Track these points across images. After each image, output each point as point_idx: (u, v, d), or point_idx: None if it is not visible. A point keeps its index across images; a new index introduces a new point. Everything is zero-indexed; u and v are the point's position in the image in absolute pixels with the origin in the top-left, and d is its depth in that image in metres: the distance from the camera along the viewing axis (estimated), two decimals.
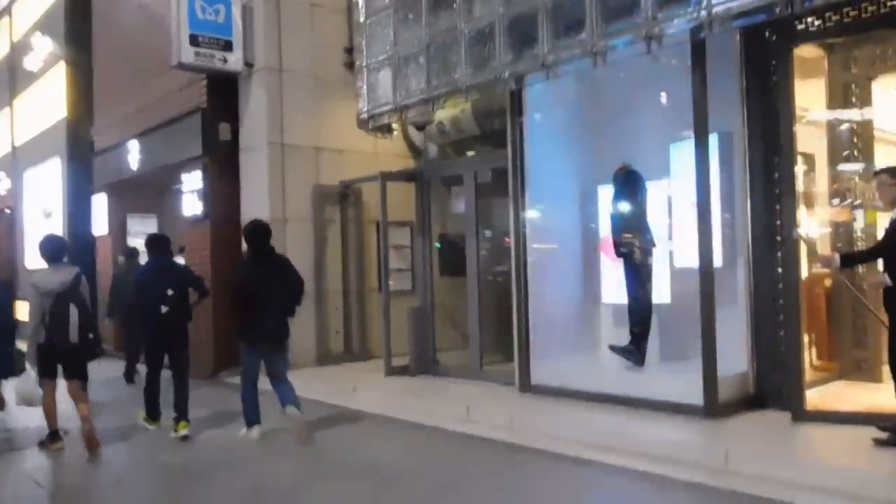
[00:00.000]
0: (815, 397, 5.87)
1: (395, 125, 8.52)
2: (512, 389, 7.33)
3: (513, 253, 7.40)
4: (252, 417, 6.43)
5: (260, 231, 6.39)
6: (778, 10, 5.14)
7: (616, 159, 6.98)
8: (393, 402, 7.42)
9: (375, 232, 9.74)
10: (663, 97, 6.88)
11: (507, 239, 7.79)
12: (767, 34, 6.06)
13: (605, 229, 7.25)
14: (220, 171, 9.86)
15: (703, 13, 5.33)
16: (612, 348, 6.90)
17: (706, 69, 5.91)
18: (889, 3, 5.39)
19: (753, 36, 6.11)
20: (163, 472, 5.87)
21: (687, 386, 5.98)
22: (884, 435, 4.97)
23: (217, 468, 5.74)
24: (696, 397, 5.87)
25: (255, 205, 9.49)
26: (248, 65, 9.63)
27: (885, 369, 6.57)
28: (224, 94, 9.84)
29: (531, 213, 7.33)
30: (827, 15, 5.68)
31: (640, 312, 6.81)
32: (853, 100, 6.76)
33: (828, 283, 6.69)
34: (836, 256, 5.65)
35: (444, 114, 8.70)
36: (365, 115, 8.18)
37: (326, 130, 9.85)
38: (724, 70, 6.16)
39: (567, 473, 5.23)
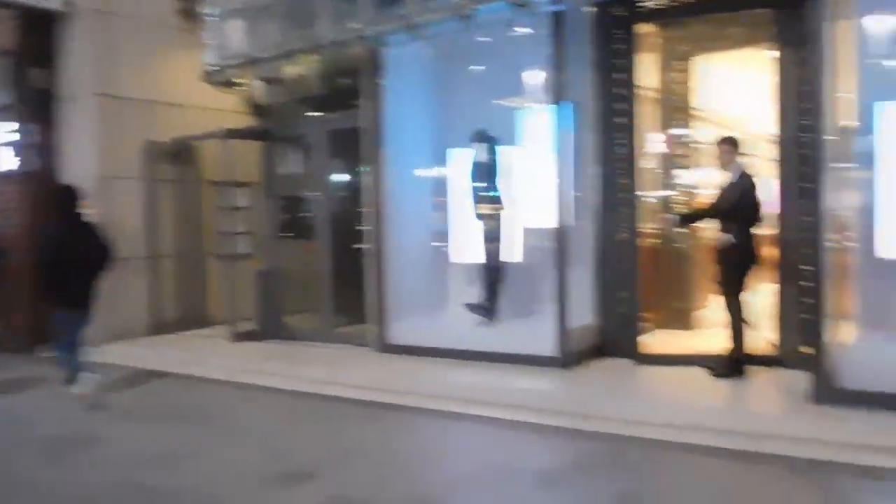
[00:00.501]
0: (647, 344, 6.53)
1: (242, 80, 8.10)
2: (368, 350, 7.40)
3: (369, 214, 7.40)
4: (76, 368, 6.34)
5: (67, 195, 6.41)
6: None
7: (472, 123, 7.18)
8: (248, 368, 7.21)
9: (214, 192, 9.26)
10: (520, 64, 7.13)
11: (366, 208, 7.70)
12: (615, 11, 6.50)
13: (459, 191, 7.45)
14: (37, 123, 8.84)
15: None
16: (468, 306, 7.16)
17: (564, 39, 6.22)
18: None
19: (602, 11, 6.51)
20: None
21: (541, 339, 6.37)
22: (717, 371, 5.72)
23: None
24: (550, 349, 6.27)
25: (79, 160, 8.64)
26: (70, 3, 8.65)
27: (695, 317, 7.51)
28: (41, 35, 8.78)
29: (388, 174, 7.35)
30: None
31: (492, 271, 7.13)
32: (678, 74, 7.49)
33: (649, 242, 7.38)
34: (677, 216, 6.28)
35: (289, 70, 8.41)
36: (211, 68, 7.71)
37: (163, 82, 9.15)
38: (576, 41, 6.53)
39: (440, 427, 5.44)
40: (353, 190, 8.07)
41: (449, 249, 7.68)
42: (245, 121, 9.42)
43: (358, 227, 7.75)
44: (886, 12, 5.46)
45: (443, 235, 7.75)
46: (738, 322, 5.73)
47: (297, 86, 8.43)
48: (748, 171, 5.89)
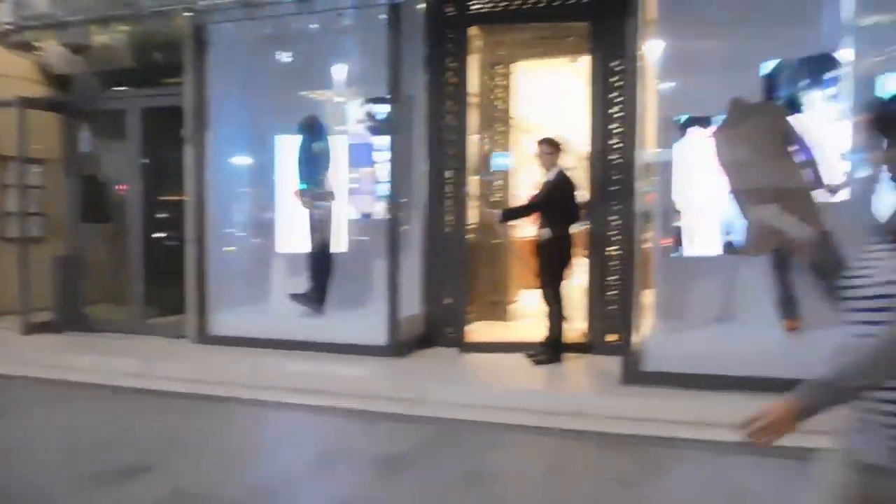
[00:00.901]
0: (472, 333, 6.83)
1: (41, 44, 7.31)
2: (185, 342, 7.02)
3: (189, 199, 7.02)
4: None
5: None
6: None
7: (302, 110, 7.08)
8: (47, 361, 6.54)
9: (2, 168, 8.27)
10: (355, 55, 7.13)
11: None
12: (447, 10, 6.71)
13: (287, 178, 7.29)
14: None
15: None
16: (293, 296, 7.03)
17: (399, 36, 6.31)
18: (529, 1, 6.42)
19: (436, 10, 6.69)
20: None
21: (370, 328, 6.44)
22: (537, 357, 6.11)
23: None
24: (379, 338, 6.36)
25: None
26: None
27: (511, 310, 7.96)
28: None
29: (210, 158, 7.02)
30: (494, 1, 6.53)
31: (319, 261, 7.06)
32: (501, 79, 7.89)
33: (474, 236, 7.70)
34: (499, 211, 6.63)
35: (100, 38, 7.74)
36: (6, 27, 6.87)
37: None
38: (411, 37, 6.66)
39: (272, 416, 5.32)
40: (170, 173, 7.60)
41: (275, 238, 7.50)
42: (41, 90, 8.53)
43: (174, 214, 7.33)
44: (687, 38, 6.14)
45: (268, 224, 7.54)
46: (556, 312, 6.17)
47: (108, 56, 7.79)
48: (566, 172, 6.36)
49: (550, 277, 6.22)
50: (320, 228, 7.04)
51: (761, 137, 5.40)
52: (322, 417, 5.29)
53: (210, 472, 4.20)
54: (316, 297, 6.96)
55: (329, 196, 7.05)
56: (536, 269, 6.38)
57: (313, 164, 7.00)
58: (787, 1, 5.92)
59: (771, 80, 5.99)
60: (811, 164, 5.37)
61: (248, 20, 6.36)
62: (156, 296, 7.93)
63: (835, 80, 5.80)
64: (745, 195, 5.61)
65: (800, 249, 2.16)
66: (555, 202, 6.19)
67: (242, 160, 7.57)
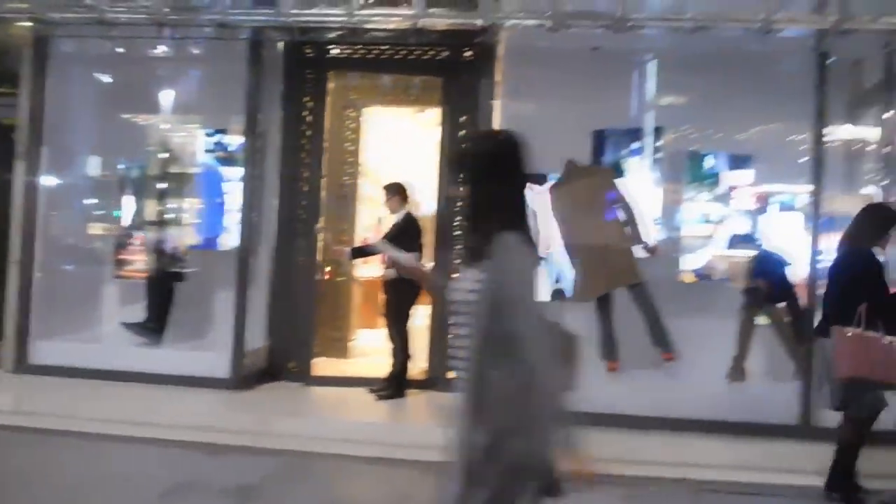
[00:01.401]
0: (316, 367, 6.90)
1: None
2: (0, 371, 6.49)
3: (17, 218, 6.56)
4: None
5: None
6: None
7: (149, 136, 6.93)
8: None
9: None
10: (212, 85, 7.08)
11: None
12: (307, 51, 6.89)
13: (128, 203, 7.06)
14: None
15: (280, 19, 5.82)
16: (126, 325, 6.73)
17: (260, 71, 6.39)
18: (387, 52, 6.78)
19: (297, 49, 6.85)
20: None
21: (211, 360, 6.32)
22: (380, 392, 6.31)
23: None
24: (222, 371, 6.25)
25: None
26: None
27: (352, 346, 8.12)
28: None
29: (43, 175, 6.64)
30: (354, 48, 6.81)
31: (158, 288, 6.84)
32: (353, 123, 8.15)
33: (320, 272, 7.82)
34: (348, 249, 6.82)
35: None
36: None
37: None
38: (271, 72, 6.76)
39: (104, 450, 5.07)
40: None
41: (110, 264, 7.16)
42: None
43: None
44: (528, 100, 6.76)
45: (105, 249, 7.20)
46: (400, 348, 6.41)
47: None
48: (413, 214, 6.69)
49: (396, 315, 6.46)
50: (158, 254, 6.84)
51: (591, 196, 6.09)
52: (159, 450, 5.11)
53: None
54: (153, 327, 6.71)
55: (168, 223, 6.87)
56: (383, 307, 6.61)
57: (155, 189, 6.85)
58: (614, 74, 6.73)
59: (598, 145, 6.76)
60: (631, 222, 6.11)
61: (99, 38, 6.12)
62: None
63: (650, 150, 6.66)
64: (574, 247, 6.28)
65: None
66: (400, 241, 6.48)
67: (83, 179, 7.20)
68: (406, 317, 6.45)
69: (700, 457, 5.14)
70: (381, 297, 6.62)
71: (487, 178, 2.25)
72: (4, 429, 5.35)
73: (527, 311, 2.10)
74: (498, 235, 2.16)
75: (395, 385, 6.37)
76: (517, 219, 2.24)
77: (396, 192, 6.59)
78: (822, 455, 5.05)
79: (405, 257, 5.42)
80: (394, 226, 6.60)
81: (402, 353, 6.41)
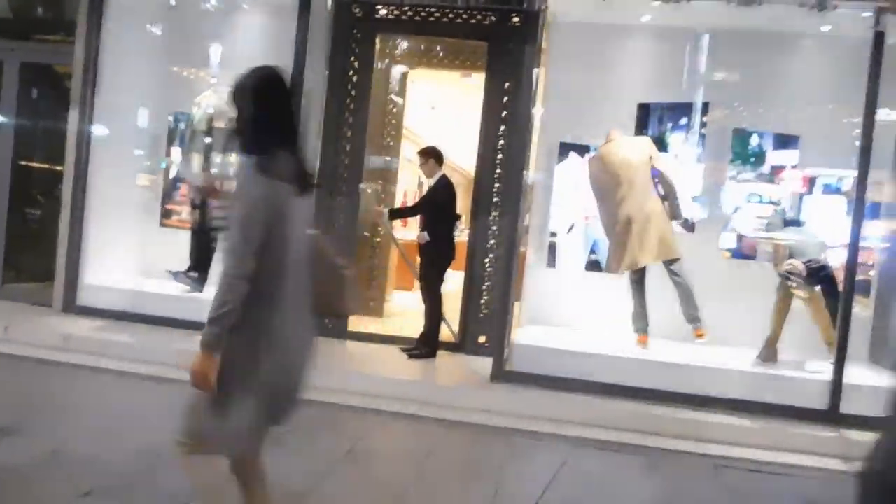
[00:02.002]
0: (350, 325, 7.07)
1: None
2: (49, 310, 6.77)
3: (70, 163, 6.78)
4: None
5: None
6: None
7: (200, 89, 7.06)
8: None
9: None
10: (260, 41, 7.17)
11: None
12: (354, 9, 6.93)
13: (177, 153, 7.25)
14: None
15: None
16: (174, 274, 6.95)
17: (308, 28, 6.45)
18: (435, 15, 6.79)
19: (345, 8, 6.89)
20: None
21: None
22: (412, 351, 6.48)
23: None
24: None
25: None
26: None
27: (387, 307, 8.28)
28: None
29: (98, 123, 6.84)
30: (402, 10, 6.81)
31: (202, 239, 7.02)
32: (394, 84, 8.19)
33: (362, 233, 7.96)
34: (385, 210, 6.92)
35: None
36: None
37: None
38: (315, 31, 6.81)
39: (151, 388, 5.31)
40: (47, 134, 7.30)
41: (157, 213, 7.38)
42: None
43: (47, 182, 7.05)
44: (574, 70, 6.71)
45: (152, 198, 7.42)
46: (434, 310, 6.53)
47: None
48: (447, 179, 6.74)
49: (431, 277, 6.57)
50: (205, 209, 7.00)
51: (631, 169, 6.06)
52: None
53: (91, 436, 4.19)
54: (197, 277, 6.92)
55: (211, 176, 6.99)
56: (419, 268, 6.72)
57: (202, 140, 6.98)
58: (661, 47, 6.65)
59: (642, 118, 6.69)
60: (671, 197, 6.08)
61: None
62: (16, 261, 7.60)
63: (695, 125, 6.57)
64: (610, 219, 6.27)
65: None
66: (435, 205, 6.56)
67: (134, 128, 7.39)
68: (439, 280, 6.54)
69: (723, 434, 5.19)
70: (417, 259, 6.71)
71: (246, 106, 2.44)
72: (48, 363, 5.62)
73: (238, 232, 2.31)
74: (240, 158, 2.48)
75: (427, 345, 6.50)
76: (268, 144, 2.40)
77: (431, 156, 6.64)
78: (847, 440, 5.09)
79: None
80: (430, 190, 6.67)
81: (434, 313, 6.52)
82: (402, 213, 7.25)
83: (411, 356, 6.45)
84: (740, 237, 6.52)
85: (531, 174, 6.32)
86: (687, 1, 5.26)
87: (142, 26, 7.24)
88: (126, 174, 7.40)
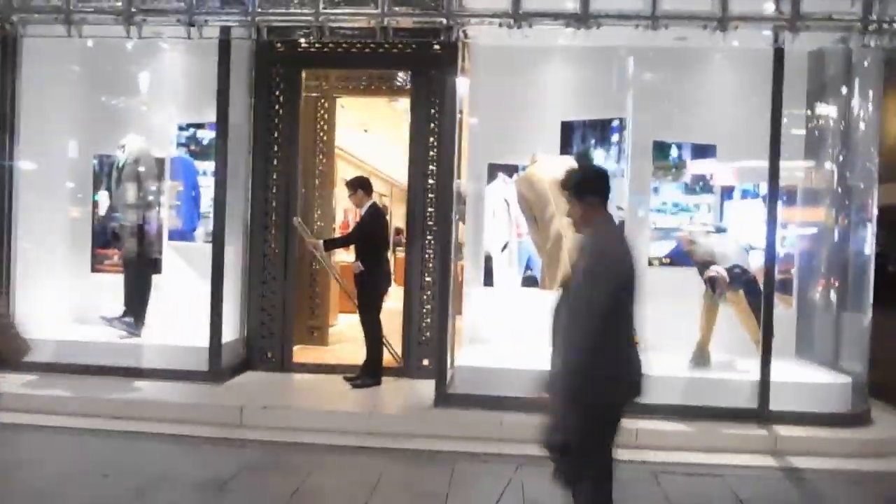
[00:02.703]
0: (292, 356, 7.08)
1: None
2: None
3: None
4: None
5: None
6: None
7: (125, 128, 7.00)
8: None
9: None
10: (185, 79, 7.13)
11: None
12: (276, 45, 6.95)
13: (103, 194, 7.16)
14: None
15: (246, 18, 5.87)
16: (106, 319, 6.83)
17: (229, 65, 6.43)
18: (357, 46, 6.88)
19: (263, 45, 6.88)
20: None
21: (189, 353, 6.45)
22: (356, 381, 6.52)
23: None
24: (200, 364, 6.38)
25: None
26: None
27: (331, 334, 8.30)
28: None
29: (20, 166, 6.70)
30: (323, 43, 6.85)
31: (138, 284, 6.93)
32: (322, 113, 8.22)
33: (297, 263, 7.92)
34: (321, 242, 6.94)
35: None
36: None
37: None
38: (241, 66, 6.83)
39: (82, 442, 5.21)
40: None
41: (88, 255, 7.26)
42: None
43: None
44: (496, 89, 6.87)
45: (81, 245, 7.29)
46: (374, 338, 6.58)
47: None
48: (377, 208, 6.81)
49: (368, 304, 6.62)
50: (142, 252, 6.90)
51: (556, 187, 6.21)
52: (146, 442, 5.27)
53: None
54: (133, 321, 6.81)
55: (136, 208, 6.89)
56: (356, 297, 6.75)
57: (130, 181, 6.88)
58: (579, 66, 6.85)
59: (565, 136, 6.88)
60: None
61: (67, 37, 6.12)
62: None
63: (616, 142, 6.79)
64: (541, 237, 6.42)
65: None
66: (365, 234, 6.63)
67: (57, 169, 7.28)
68: (376, 307, 6.60)
69: (661, 441, 5.37)
70: (353, 287, 6.75)
71: None
72: None
73: None
74: None
75: (370, 375, 6.53)
76: None
77: (358, 186, 6.71)
78: (776, 437, 5.33)
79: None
80: (360, 219, 6.74)
81: (375, 341, 6.57)
82: (336, 243, 7.30)
83: (355, 386, 6.47)
84: (666, 245, 6.76)
85: (461, 195, 6.44)
86: (597, 27, 5.41)
87: (61, 68, 7.15)
88: (52, 219, 7.26)
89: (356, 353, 6.95)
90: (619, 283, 2.90)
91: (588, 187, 3.07)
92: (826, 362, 6.38)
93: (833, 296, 6.41)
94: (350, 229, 7.48)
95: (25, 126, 6.66)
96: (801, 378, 6.03)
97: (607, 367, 2.85)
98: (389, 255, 7.48)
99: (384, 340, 6.73)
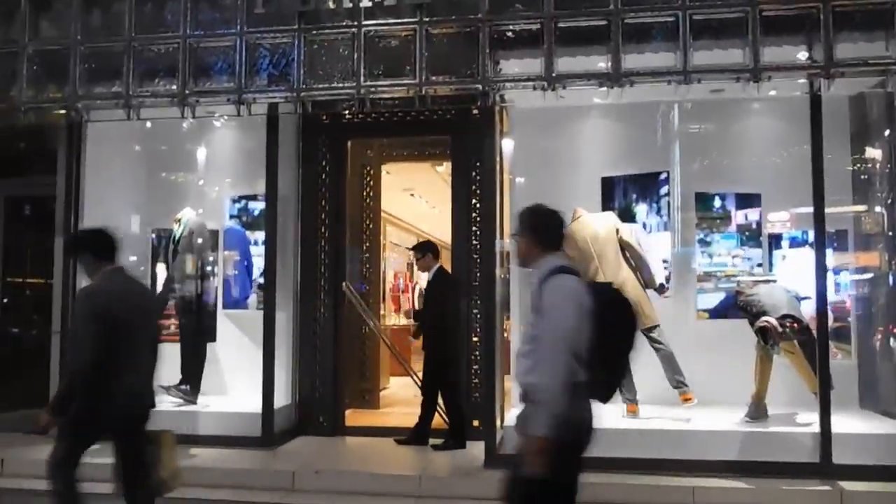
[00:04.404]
0: (345, 420, 7.14)
1: None
2: (45, 438, 6.78)
3: (57, 289, 6.95)
4: None
5: None
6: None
7: (182, 203, 7.32)
8: None
9: None
10: (236, 153, 7.49)
11: None
12: (322, 117, 7.25)
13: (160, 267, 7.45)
14: None
15: (292, 94, 6.16)
16: (164, 388, 6.99)
17: (278, 139, 6.72)
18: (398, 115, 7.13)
19: (309, 118, 7.18)
20: None
21: (243, 419, 6.57)
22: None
23: None
24: (253, 429, 6.48)
25: None
26: None
27: (383, 397, 8.33)
28: None
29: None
30: (364, 114, 7.11)
31: (194, 353, 7.12)
32: (368, 179, 8.47)
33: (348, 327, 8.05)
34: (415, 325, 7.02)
35: None
36: None
37: None
38: (289, 139, 7.13)
39: None
40: (35, 257, 7.50)
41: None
42: None
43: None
44: (536, 149, 7.00)
45: None
46: (453, 399, 6.62)
47: None
48: (445, 270, 6.90)
49: (437, 367, 6.67)
50: (188, 315, 7.13)
51: (599, 243, 6.26)
52: None
53: None
54: (188, 389, 6.98)
55: (192, 279, 7.14)
56: (425, 364, 6.79)
57: (186, 252, 7.16)
58: (617, 122, 6.94)
59: (606, 192, 6.93)
60: (641, 266, 6.25)
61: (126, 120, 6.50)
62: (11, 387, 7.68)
63: (658, 194, 6.80)
64: None
65: None
66: (436, 298, 6.72)
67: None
68: (449, 367, 6.64)
69: (719, 498, 5.20)
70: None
71: None
72: None
73: None
74: None
75: (454, 436, 6.51)
76: None
77: (428, 251, 6.84)
78: (841, 492, 5.11)
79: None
80: (428, 284, 6.84)
81: (454, 403, 6.59)
82: (422, 317, 7.22)
83: (435, 448, 6.45)
84: (715, 297, 6.67)
85: (505, 254, 6.51)
86: (630, 85, 5.51)
87: (121, 148, 7.55)
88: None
89: (408, 417, 6.96)
90: None
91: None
92: (891, 412, 6.13)
93: (893, 343, 6.20)
94: (417, 297, 7.55)
95: (89, 204, 7.00)
96: (865, 429, 5.80)
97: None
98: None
99: (438, 402, 6.71)
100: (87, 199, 7.01)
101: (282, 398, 6.91)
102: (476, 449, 6.17)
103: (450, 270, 7.13)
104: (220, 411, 6.85)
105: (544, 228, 3.15)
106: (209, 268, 7.29)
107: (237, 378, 7.20)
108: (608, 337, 2.96)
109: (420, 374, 6.87)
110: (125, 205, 7.61)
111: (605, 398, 3.14)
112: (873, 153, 6.50)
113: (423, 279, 7.27)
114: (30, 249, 8.13)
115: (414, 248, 6.96)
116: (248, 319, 7.29)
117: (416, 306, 10.85)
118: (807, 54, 5.46)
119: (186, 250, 7.11)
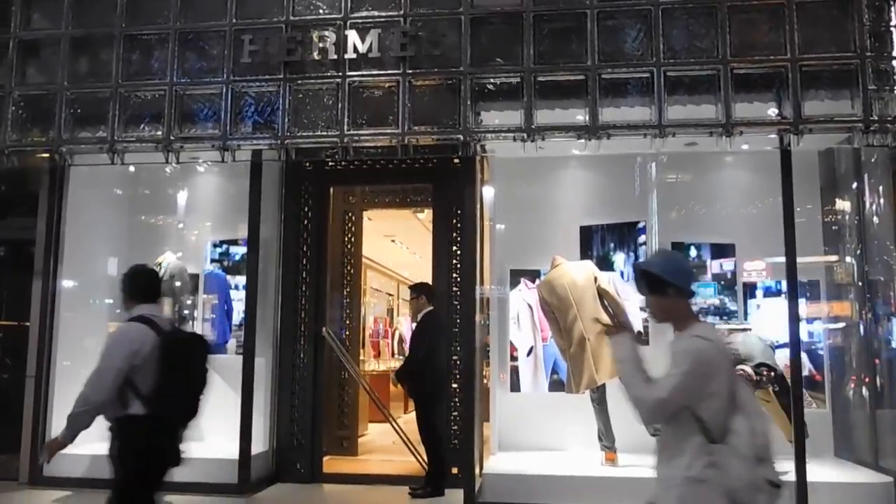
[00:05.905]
0: (323, 467, 7.06)
1: None
2: (14, 484, 6.67)
3: (34, 335, 6.88)
4: None
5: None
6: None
7: (159, 249, 7.33)
8: None
9: None
10: (218, 198, 7.54)
11: None
12: (305, 164, 7.33)
13: None
14: None
15: (276, 142, 6.25)
16: None
17: (261, 185, 6.78)
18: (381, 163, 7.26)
19: (292, 165, 7.26)
20: None
21: (219, 466, 6.48)
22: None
23: None
24: (230, 476, 6.39)
25: None
26: None
27: (361, 443, 8.26)
28: None
29: (62, 291, 7.00)
30: (347, 162, 7.22)
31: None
32: (349, 226, 8.53)
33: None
34: (394, 376, 7.00)
35: None
36: None
37: None
38: (268, 185, 7.18)
39: None
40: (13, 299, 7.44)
41: None
42: None
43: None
44: (517, 197, 7.13)
45: None
46: (432, 445, 6.56)
47: None
48: (433, 313, 6.87)
49: (421, 412, 6.64)
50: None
51: (577, 291, 6.34)
52: None
53: None
54: None
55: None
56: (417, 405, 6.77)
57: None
58: (595, 173, 7.10)
59: (585, 240, 7.06)
60: (618, 314, 6.31)
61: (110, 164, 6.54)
62: None
63: (635, 244, 6.93)
64: (564, 341, 6.47)
65: None
66: (422, 340, 6.76)
67: (97, 293, 7.57)
68: (430, 411, 6.61)
69: None
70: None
71: None
72: None
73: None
74: None
75: (432, 483, 6.44)
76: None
77: (423, 293, 6.89)
78: None
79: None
80: (417, 326, 6.87)
81: (433, 449, 6.54)
82: (407, 369, 7.22)
83: (414, 495, 6.38)
84: None
85: (485, 301, 6.57)
86: (607, 138, 5.67)
87: (102, 192, 7.57)
88: (92, 335, 7.47)
89: (386, 464, 6.92)
90: None
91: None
92: (865, 462, 6.19)
93: (866, 392, 6.30)
94: (397, 342, 7.56)
95: (69, 247, 7.00)
96: (840, 478, 5.85)
97: None
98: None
99: (415, 449, 6.68)
100: (67, 243, 7.03)
101: (259, 444, 6.84)
102: (454, 497, 6.13)
103: None
104: (196, 457, 6.63)
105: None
106: (187, 311, 7.25)
107: (214, 423, 7.06)
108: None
109: (399, 422, 6.85)
110: (105, 248, 7.61)
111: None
112: (843, 205, 6.71)
113: (403, 325, 7.29)
114: (5, 292, 8.06)
115: (411, 288, 7.02)
116: (226, 364, 7.21)
117: (396, 352, 10.95)
118: (777, 111, 5.67)
119: (166, 293, 7.08)
